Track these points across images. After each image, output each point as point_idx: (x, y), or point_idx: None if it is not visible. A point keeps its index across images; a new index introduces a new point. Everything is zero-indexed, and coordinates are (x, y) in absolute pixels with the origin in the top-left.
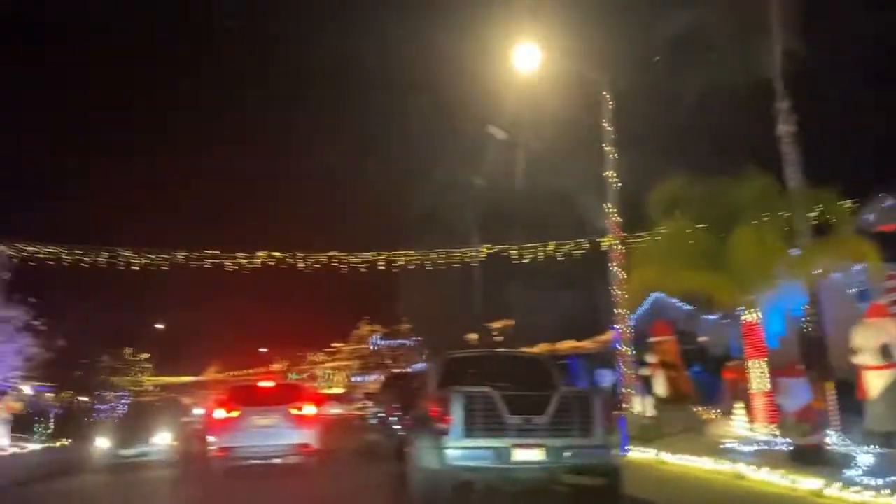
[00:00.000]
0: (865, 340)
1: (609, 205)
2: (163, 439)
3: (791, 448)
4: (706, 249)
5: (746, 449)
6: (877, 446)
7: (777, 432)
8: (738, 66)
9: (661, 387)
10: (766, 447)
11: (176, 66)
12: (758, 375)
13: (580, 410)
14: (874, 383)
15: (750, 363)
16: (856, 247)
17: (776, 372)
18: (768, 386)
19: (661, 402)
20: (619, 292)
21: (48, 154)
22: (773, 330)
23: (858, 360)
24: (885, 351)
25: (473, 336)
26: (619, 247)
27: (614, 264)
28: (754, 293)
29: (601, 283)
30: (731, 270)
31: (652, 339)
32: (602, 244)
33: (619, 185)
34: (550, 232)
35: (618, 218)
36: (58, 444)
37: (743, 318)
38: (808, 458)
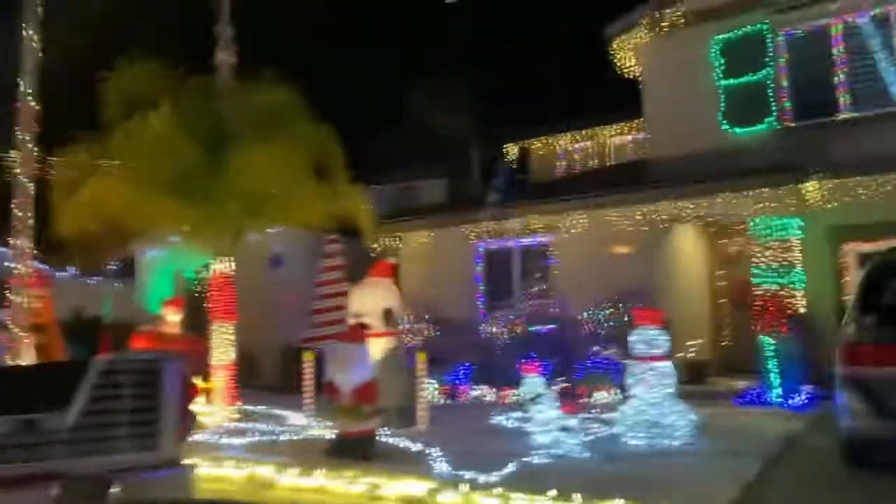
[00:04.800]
0: (369, 303)
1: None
2: None
3: (334, 438)
4: (189, 169)
5: (238, 441)
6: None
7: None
8: None
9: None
10: (260, 437)
11: None
12: (223, 343)
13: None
14: (374, 352)
15: (218, 326)
16: (348, 197)
17: (345, 335)
18: (232, 357)
19: None
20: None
21: None
22: (161, 291)
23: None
24: (387, 316)
25: None
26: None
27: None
28: (238, 236)
29: None
30: (217, 203)
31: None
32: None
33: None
34: None
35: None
36: None
37: (214, 267)
38: (356, 451)
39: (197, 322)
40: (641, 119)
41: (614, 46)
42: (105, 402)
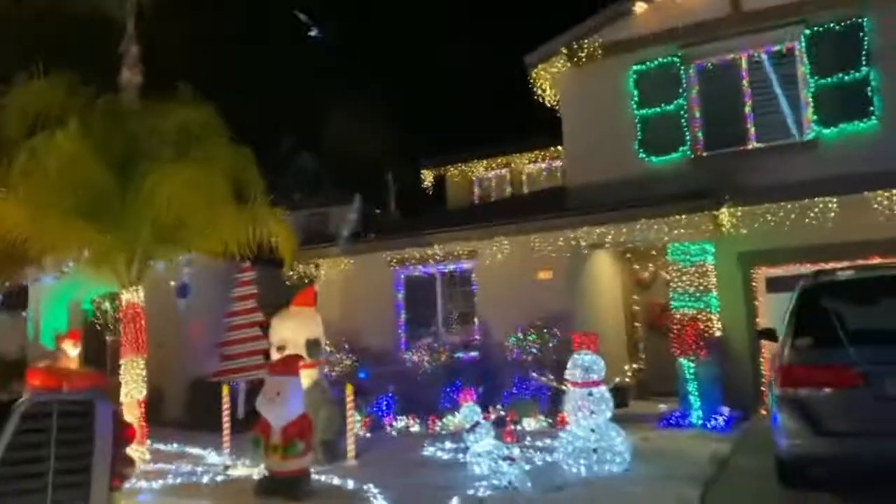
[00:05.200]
0: (292, 333)
1: None
2: None
3: (262, 478)
4: (98, 191)
5: (155, 485)
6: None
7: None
8: None
9: None
10: (178, 479)
11: None
12: (134, 378)
13: None
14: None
15: (128, 361)
16: (267, 222)
17: (276, 367)
18: (143, 393)
19: None
20: None
21: None
22: (55, 323)
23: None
24: (311, 346)
25: None
26: None
27: None
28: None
29: None
30: (128, 228)
31: None
32: None
33: None
34: None
35: None
36: None
37: (123, 297)
38: (288, 490)
39: (97, 356)
40: (555, 147)
41: (533, 75)
42: (29, 450)
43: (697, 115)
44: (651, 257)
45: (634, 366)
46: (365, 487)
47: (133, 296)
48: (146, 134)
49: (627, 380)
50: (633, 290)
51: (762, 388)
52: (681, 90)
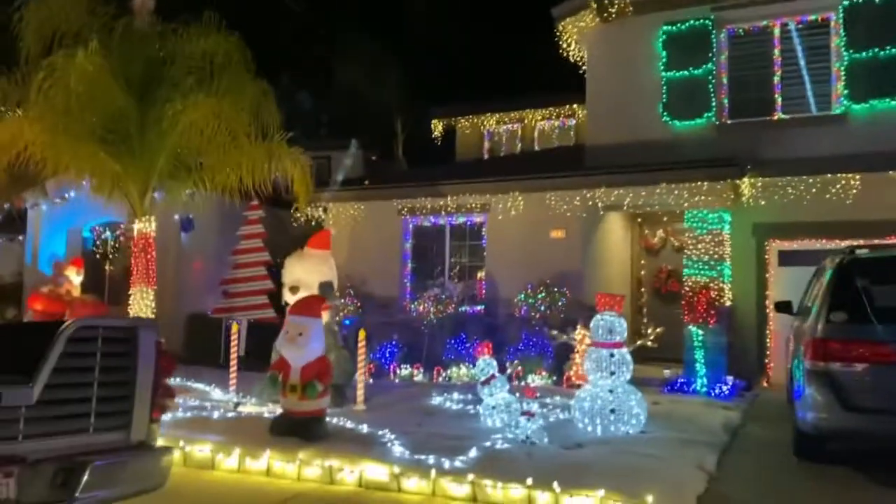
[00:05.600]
0: (306, 274)
1: None
2: None
3: (278, 416)
4: (117, 116)
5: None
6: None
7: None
8: None
9: None
10: (185, 414)
11: None
12: (143, 310)
13: None
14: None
15: (138, 291)
16: (283, 160)
17: (298, 308)
18: None
19: None
20: None
21: None
22: (53, 250)
23: (295, 297)
24: (324, 289)
25: None
26: None
27: None
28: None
29: None
30: (145, 157)
31: None
32: None
33: None
34: None
35: None
36: None
37: (136, 226)
38: (305, 431)
39: (96, 284)
40: (570, 105)
41: (560, 28)
42: (73, 374)
43: (725, 81)
44: (662, 223)
45: (638, 331)
46: (380, 433)
47: (145, 226)
48: (168, 60)
49: (650, 343)
50: (641, 254)
51: (766, 360)
52: (710, 54)
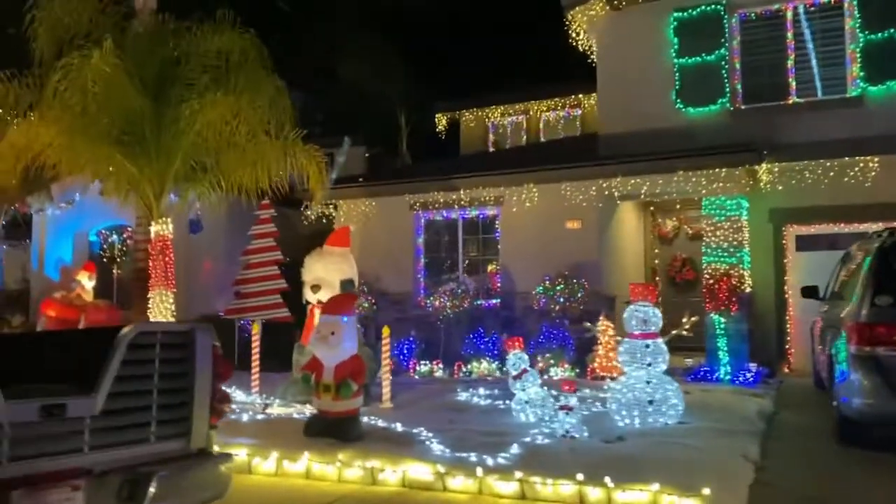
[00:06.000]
0: (327, 273)
1: None
2: None
3: (312, 418)
4: (132, 116)
5: None
6: None
7: None
8: None
9: None
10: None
11: None
12: (163, 313)
13: None
14: None
15: (157, 294)
16: (299, 157)
17: (330, 306)
18: None
19: None
20: None
21: None
22: (59, 254)
23: (315, 296)
24: (346, 286)
25: None
26: None
27: None
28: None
29: None
30: (161, 158)
31: None
32: None
33: None
34: None
35: None
36: None
37: (153, 228)
38: (341, 432)
39: (105, 289)
40: (575, 95)
41: (569, 17)
42: (135, 381)
43: (738, 66)
44: (675, 211)
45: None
46: (415, 431)
47: (162, 227)
48: (182, 58)
49: (685, 332)
50: (655, 243)
51: (787, 346)
52: (722, 40)
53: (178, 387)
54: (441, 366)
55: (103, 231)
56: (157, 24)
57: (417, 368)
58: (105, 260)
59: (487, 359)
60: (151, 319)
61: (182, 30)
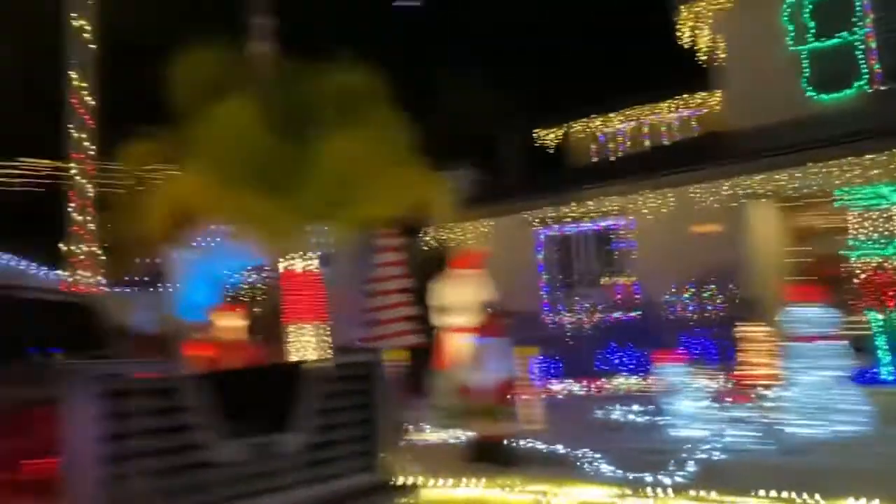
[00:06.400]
0: (461, 296)
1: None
2: None
3: (471, 442)
4: (269, 159)
5: None
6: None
7: None
8: None
9: None
10: None
11: None
12: (321, 345)
13: None
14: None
15: (314, 327)
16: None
17: (483, 329)
18: None
19: None
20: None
21: None
22: (198, 297)
23: (450, 320)
24: (487, 309)
25: None
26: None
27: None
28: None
29: None
30: (299, 194)
31: None
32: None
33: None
34: None
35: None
36: None
37: (299, 264)
38: (499, 456)
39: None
40: (690, 95)
41: (683, 13)
42: (328, 415)
43: (874, 45)
44: (813, 205)
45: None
46: (579, 452)
47: (309, 263)
48: (315, 98)
49: (875, 332)
50: (793, 241)
51: None
52: (855, 19)
53: (363, 418)
54: (580, 383)
55: (240, 271)
56: (282, 69)
57: (552, 386)
58: (243, 299)
59: (625, 373)
60: (306, 354)
61: (311, 70)
